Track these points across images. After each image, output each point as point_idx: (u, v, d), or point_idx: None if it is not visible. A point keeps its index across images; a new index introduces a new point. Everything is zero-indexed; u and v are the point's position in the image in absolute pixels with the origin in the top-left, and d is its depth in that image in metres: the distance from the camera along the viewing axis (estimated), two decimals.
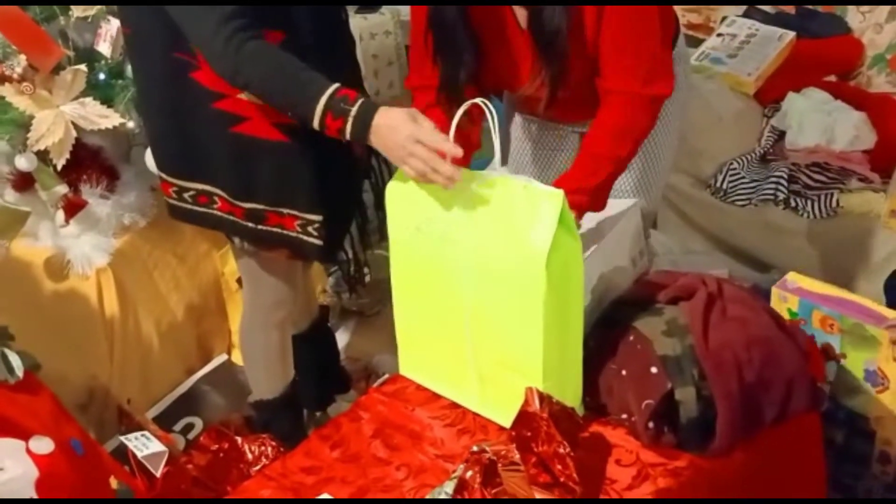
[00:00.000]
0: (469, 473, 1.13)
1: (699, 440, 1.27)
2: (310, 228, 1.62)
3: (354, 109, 1.34)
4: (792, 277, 1.65)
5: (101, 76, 1.93)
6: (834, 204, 2.32)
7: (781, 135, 2.56)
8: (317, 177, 1.58)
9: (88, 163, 1.97)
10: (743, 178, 2.46)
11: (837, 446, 1.61)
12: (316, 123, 1.37)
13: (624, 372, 1.32)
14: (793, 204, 2.37)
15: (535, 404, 1.18)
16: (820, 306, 1.58)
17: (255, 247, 1.68)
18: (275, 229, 1.62)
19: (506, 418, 1.27)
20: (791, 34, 2.73)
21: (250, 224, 1.62)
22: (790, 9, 2.90)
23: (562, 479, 1.14)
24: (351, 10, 2.80)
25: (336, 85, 1.36)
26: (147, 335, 2.02)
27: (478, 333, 1.34)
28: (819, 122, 2.48)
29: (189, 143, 1.57)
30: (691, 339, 1.30)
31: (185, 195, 1.64)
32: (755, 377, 1.29)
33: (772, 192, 2.40)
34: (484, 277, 1.29)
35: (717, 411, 1.26)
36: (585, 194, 1.47)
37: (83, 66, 1.86)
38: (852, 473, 1.64)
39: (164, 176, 1.67)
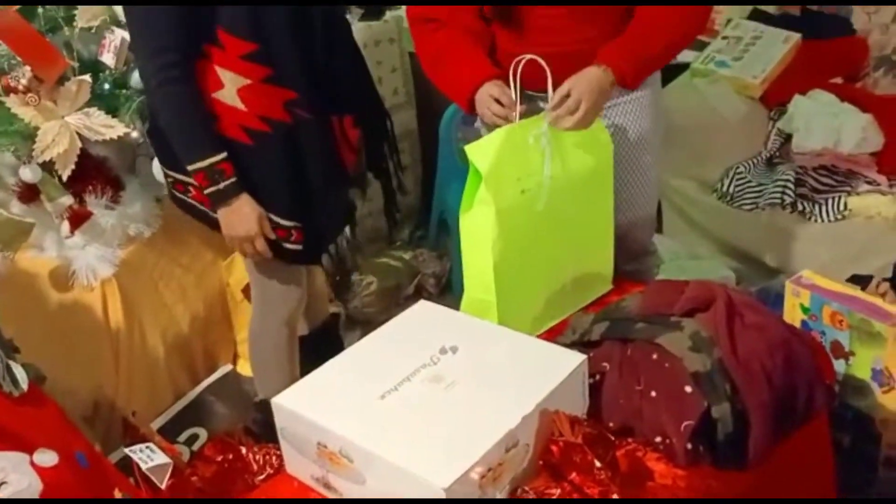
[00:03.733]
0: None
1: (735, 455, 1.23)
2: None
3: (223, 185, 1.57)
4: (807, 275, 1.65)
5: (106, 86, 1.94)
6: (842, 207, 2.31)
7: (788, 138, 2.55)
8: (285, 183, 1.64)
9: (93, 173, 1.98)
10: (749, 181, 2.45)
11: (845, 450, 1.59)
12: (189, 169, 1.59)
13: (654, 393, 1.26)
14: (800, 208, 2.36)
15: (568, 431, 1.15)
16: (830, 302, 1.58)
17: None
18: None
19: (594, 291, 1.69)
20: (796, 36, 2.72)
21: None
22: (795, 10, 2.89)
23: None
24: (355, 17, 2.80)
25: (221, 156, 1.56)
26: (153, 346, 2.02)
27: (569, 244, 1.61)
28: (826, 124, 2.47)
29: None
30: (718, 352, 1.26)
31: (168, 181, 1.75)
32: (782, 383, 1.27)
33: (779, 195, 2.39)
34: (566, 194, 1.54)
35: (750, 423, 1.23)
36: (631, 65, 1.51)
37: (87, 77, 1.87)
38: (862, 478, 1.62)
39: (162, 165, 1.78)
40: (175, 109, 1.56)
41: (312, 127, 1.65)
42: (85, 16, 1.91)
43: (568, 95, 1.49)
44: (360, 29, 2.75)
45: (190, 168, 1.58)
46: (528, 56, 1.47)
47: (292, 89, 1.60)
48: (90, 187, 1.96)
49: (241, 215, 1.60)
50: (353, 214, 1.89)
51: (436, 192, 2.64)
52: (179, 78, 1.53)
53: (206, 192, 1.59)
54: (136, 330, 1.98)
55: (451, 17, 1.62)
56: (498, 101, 1.52)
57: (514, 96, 1.50)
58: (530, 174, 1.51)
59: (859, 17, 2.80)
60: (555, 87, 1.51)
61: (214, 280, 2.18)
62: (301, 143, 1.64)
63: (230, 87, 1.57)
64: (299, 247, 1.69)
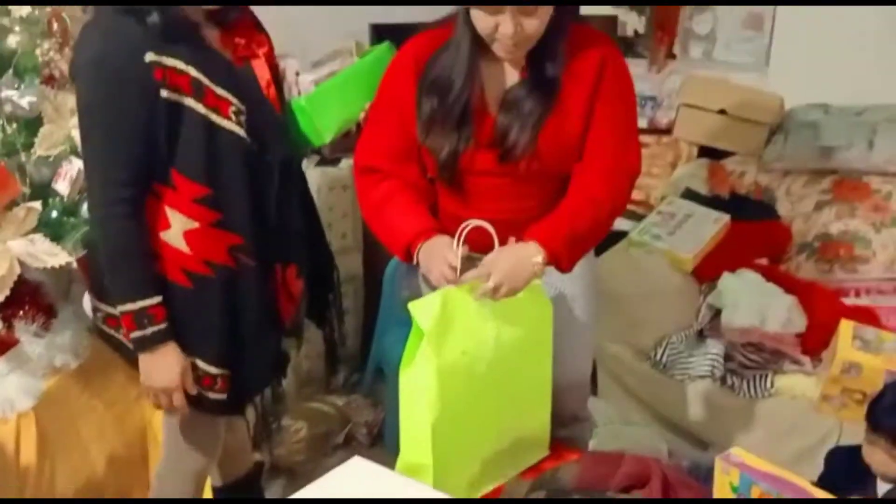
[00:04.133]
0: None
1: None
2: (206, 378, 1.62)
3: (149, 331, 1.52)
4: (736, 451, 1.67)
5: (54, 214, 1.92)
6: (768, 385, 2.38)
7: (718, 313, 2.65)
8: (219, 329, 1.60)
9: (27, 299, 1.91)
10: (681, 352, 2.52)
11: None
12: (117, 311, 1.54)
13: None
14: (729, 382, 2.42)
15: None
16: (759, 482, 1.59)
17: None
18: None
19: (530, 456, 1.71)
20: (726, 217, 2.89)
21: None
22: (725, 193, 3.09)
23: None
24: (311, 163, 2.88)
25: (155, 300, 1.52)
26: (62, 488, 1.88)
27: (507, 408, 1.62)
28: (752, 303, 2.58)
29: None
30: None
31: (98, 314, 1.69)
32: None
33: (709, 368, 2.46)
34: (506, 356, 1.57)
35: None
36: (564, 247, 1.55)
37: (37, 204, 1.86)
38: None
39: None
40: (116, 245, 1.52)
41: (254, 274, 1.63)
42: (45, 144, 1.92)
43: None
44: (315, 174, 2.82)
45: (119, 309, 1.52)
46: (475, 222, 1.53)
47: (239, 234, 1.59)
48: (21, 312, 1.90)
49: (164, 365, 1.54)
50: (285, 365, 1.84)
51: (375, 340, 2.64)
52: (127, 214, 1.51)
53: (130, 336, 1.53)
54: (46, 470, 1.84)
55: (395, 171, 1.67)
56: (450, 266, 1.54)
57: (457, 261, 1.53)
58: (471, 336, 1.53)
59: (783, 204, 3.00)
60: None
61: (136, 418, 2.08)
62: (240, 290, 1.61)
63: (177, 229, 1.54)
64: (223, 396, 1.63)
